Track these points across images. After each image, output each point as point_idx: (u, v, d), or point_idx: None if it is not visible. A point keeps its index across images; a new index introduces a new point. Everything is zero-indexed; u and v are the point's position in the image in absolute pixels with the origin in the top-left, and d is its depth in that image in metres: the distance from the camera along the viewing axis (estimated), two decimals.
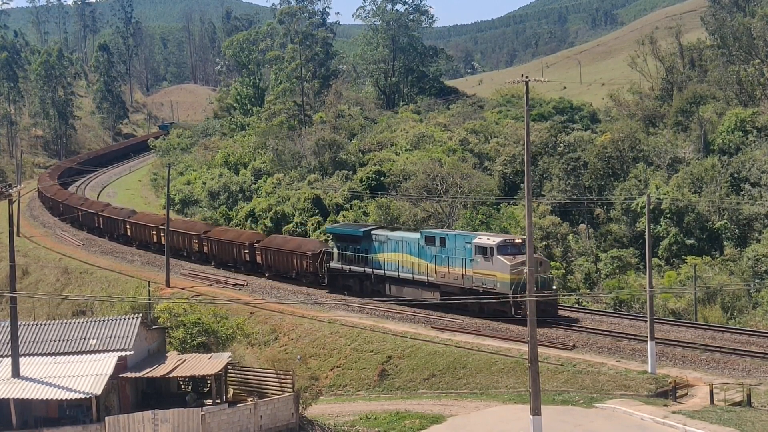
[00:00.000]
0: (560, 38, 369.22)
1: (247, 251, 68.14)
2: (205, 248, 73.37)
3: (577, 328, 50.01)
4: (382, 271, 56.98)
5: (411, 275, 55.01)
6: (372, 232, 58.16)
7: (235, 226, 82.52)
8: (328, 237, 67.66)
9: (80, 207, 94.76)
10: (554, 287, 52.33)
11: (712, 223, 68.66)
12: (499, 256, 49.88)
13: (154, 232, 78.25)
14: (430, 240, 54.26)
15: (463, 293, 51.69)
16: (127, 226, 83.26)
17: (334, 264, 60.13)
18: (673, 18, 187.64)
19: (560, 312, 52.80)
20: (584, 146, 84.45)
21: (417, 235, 55.67)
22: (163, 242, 74.68)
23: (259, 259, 67.28)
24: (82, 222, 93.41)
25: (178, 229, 75.89)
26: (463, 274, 51.90)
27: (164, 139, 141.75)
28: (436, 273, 53.52)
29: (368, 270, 57.84)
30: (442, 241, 53.54)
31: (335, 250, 60.50)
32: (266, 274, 66.41)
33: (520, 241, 50.88)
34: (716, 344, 45.97)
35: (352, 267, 58.91)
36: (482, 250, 50.73)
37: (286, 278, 64.97)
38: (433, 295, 53.78)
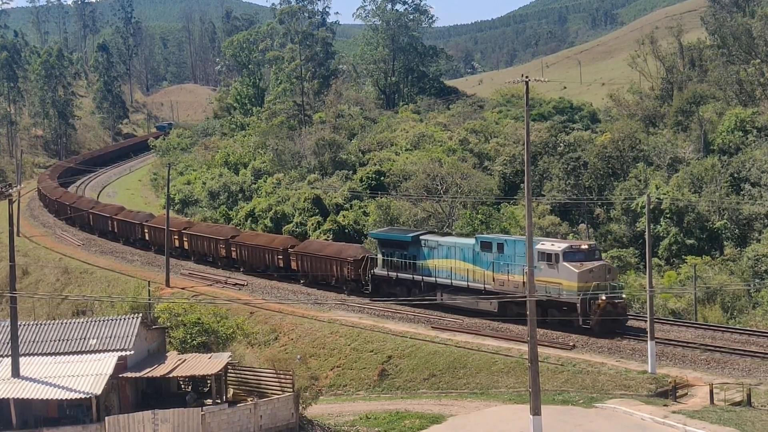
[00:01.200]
0: (560, 38, 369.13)
1: (281, 257, 65.14)
2: (234, 253, 70.04)
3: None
4: (433, 279, 54.36)
5: (465, 283, 52.31)
6: (421, 237, 55.70)
7: (236, 226, 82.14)
8: (369, 242, 65.66)
9: (91, 210, 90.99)
10: (623, 296, 49.52)
11: (712, 223, 68.65)
12: (565, 263, 47.37)
13: (176, 237, 74.62)
14: (486, 246, 51.60)
15: (525, 302, 49.89)
16: (146, 230, 79.64)
17: (379, 271, 57.31)
18: (673, 18, 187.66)
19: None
20: (584, 146, 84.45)
21: (471, 241, 53.22)
22: (186, 247, 73.91)
23: (294, 265, 64.10)
24: (93, 226, 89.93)
25: (204, 234, 73.36)
26: (524, 282, 47.85)
27: (164, 139, 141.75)
28: (494, 281, 50.86)
29: (417, 277, 55.16)
30: (500, 246, 50.86)
31: (380, 256, 57.53)
32: (301, 281, 63.85)
33: (586, 247, 48.95)
34: (716, 344, 46.00)
35: (399, 274, 56.16)
36: (546, 257, 47.95)
37: (323, 285, 62.37)
38: (491, 304, 50.81)
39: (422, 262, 54.97)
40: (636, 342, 46.53)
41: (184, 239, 74.18)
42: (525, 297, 46.78)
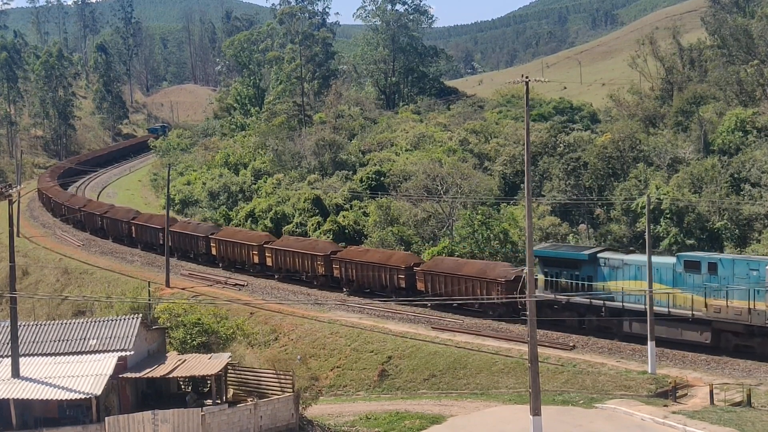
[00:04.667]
0: (560, 38, 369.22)
1: (402, 276, 58.01)
2: (269, 259, 66.82)
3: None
4: (619, 304, 47.61)
5: (666, 308, 45.75)
6: (599, 255, 49.18)
7: (236, 226, 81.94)
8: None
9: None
10: None
11: (712, 223, 68.61)
12: None
13: (255, 252, 68.43)
14: (692, 265, 45.23)
15: (749, 332, 43.63)
16: (212, 245, 73.07)
17: (541, 293, 49.62)
18: (673, 18, 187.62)
19: None
20: (584, 146, 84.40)
21: (671, 260, 47.13)
22: (267, 263, 67.77)
23: (421, 286, 56.27)
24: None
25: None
26: (750, 309, 42.84)
27: (164, 139, 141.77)
28: (705, 307, 44.48)
29: (596, 302, 48.21)
30: (712, 266, 44.39)
31: (540, 276, 50.65)
32: (428, 305, 55.29)
33: None
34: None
35: (570, 297, 49.63)
36: None
37: (460, 310, 54.74)
38: (701, 334, 44.88)
39: (602, 284, 48.38)
40: (636, 342, 46.53)
41: (267, 254, 68.27)
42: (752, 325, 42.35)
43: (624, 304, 47.46)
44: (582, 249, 52.05)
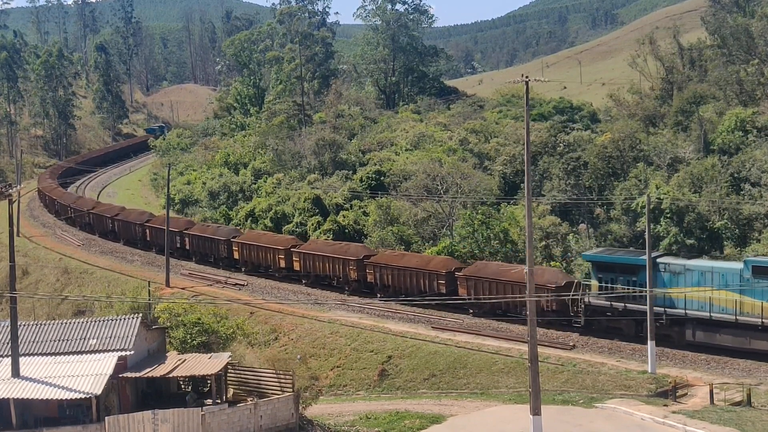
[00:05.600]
0: (560, 38, 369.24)
1: (443, 281, 56.14)
2: (296, 264, 64.89)
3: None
4: (682, 311, 45.86)
5: (733, 317, 44.08)
6: (659, 260, 47.16)
7: (236, 226, 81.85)
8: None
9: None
10: None
11: (713, 222, 68.60)
12: None
13: (282, 256, 66.48)
14: (762, 271, 43.22)
15: None
16: (234, 248, 70.88)
17: (596, 300, 48.44)
18: (673, 18, 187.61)
19: None
20: (584, 146, 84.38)
21: (738, 266, 45.25)
22: (294, 267, 65.96)
23: (463, 291, 54.25)
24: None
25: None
26: None
27: (163, 139, 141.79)
28: None
29: (657, 308, 45.84)
30: None
31: (594, 281, 49.22)
32: (470, 311, 53.85)
33: None
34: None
35: (627, 304, 47.65)
36: None
37: (502, 316, 52.54)
38: None
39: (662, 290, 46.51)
40: (636, 342, 46.54)
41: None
42: None
43: (686, 311, 45.68)
44: (639, 253, 49.66)
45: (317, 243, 67.41)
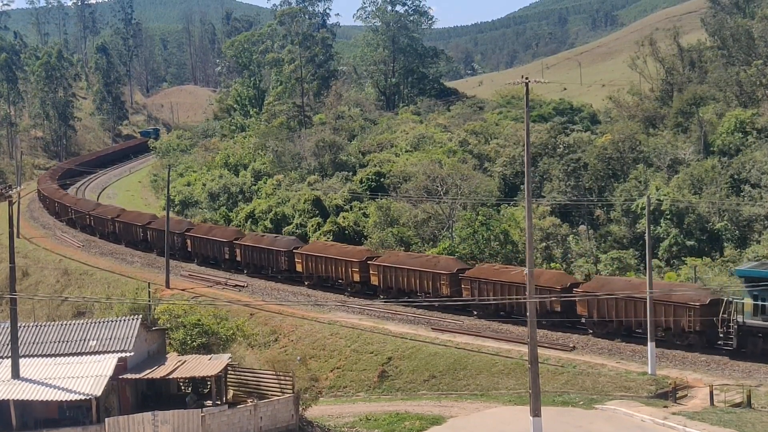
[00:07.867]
0: (560, 39, 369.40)
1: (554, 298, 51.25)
2: (298, 266, 64.27)
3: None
4: None
5: None
6: None
7: (236, 227, 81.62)
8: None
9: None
10: None
11: (713, 224, 68.62)
12: None
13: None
14: None
15: None
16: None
17: (751, 320, 42.77)
18: (673, 19, 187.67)
19: None
20: (584, 147, 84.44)
21: None
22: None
23: (581, 310, 49.54)
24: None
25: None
26: None
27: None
28: None
29: None
30: None
31: (748, 299, 42.94)
32: (590, 332, 49.00)
33: None
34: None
35: None
36: None
37: (616, 334, 48.37)
38: None
39: None
40: (636, 343, 46.52)
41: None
42: None
43: None
44: None
45: (317, 244, 67.58)
